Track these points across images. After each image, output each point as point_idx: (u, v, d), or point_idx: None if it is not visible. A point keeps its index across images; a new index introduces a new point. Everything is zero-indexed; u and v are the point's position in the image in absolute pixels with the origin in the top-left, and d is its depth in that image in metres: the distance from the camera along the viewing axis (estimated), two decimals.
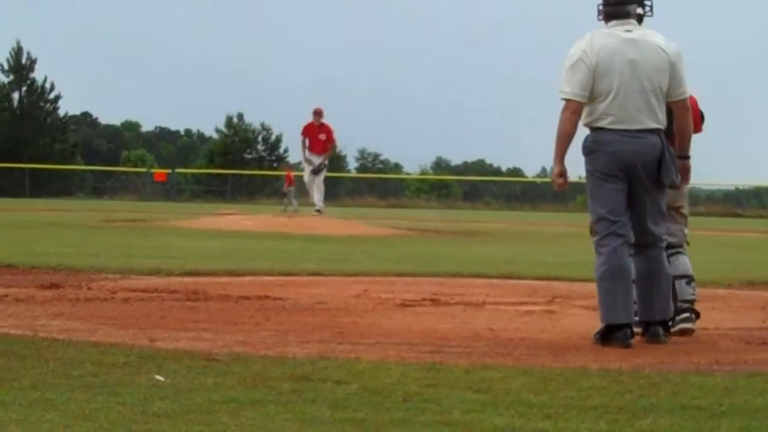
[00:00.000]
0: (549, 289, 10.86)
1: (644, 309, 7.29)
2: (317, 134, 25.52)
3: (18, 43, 78.94)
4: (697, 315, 7.77)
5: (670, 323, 7.47)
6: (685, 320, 7.65)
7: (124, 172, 78.07)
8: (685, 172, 7.43)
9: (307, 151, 25.68)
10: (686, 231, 7.90)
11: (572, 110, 7.21)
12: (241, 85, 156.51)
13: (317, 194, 25.84)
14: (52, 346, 6.22)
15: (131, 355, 5.92)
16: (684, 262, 7.79)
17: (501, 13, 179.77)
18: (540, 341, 7.26)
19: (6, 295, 9.05)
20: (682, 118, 7.38)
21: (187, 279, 11.20)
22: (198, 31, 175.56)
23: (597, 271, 7.22)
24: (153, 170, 73.61)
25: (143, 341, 6.63)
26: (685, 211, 7.92)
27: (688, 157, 7.46)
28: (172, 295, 9.54)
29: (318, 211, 25.64)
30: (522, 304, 9.65)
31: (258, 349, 6.47)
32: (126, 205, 51.15)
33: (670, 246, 7.68)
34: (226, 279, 11.38)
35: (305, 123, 25.86)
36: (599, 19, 7.40)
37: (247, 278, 11.56)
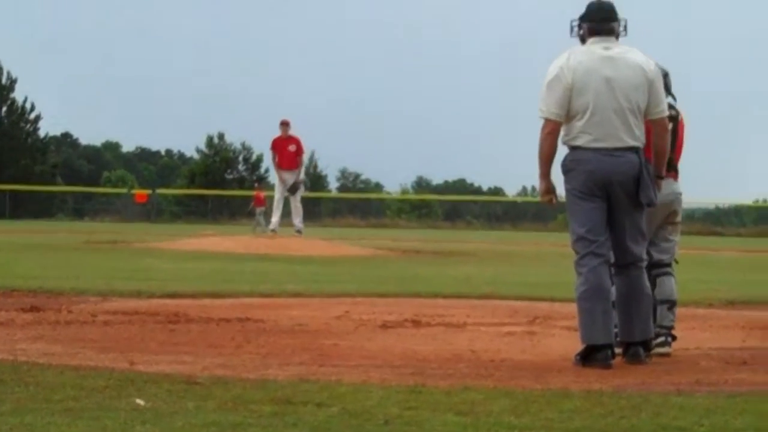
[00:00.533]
0: (530, 310, 10.86)
1: (624, 329, 7.30)
2: (286, 146, 25.07)
3: None
4: (674, 338, 7.80)
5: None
6: (661, 344, 7.68)
7: (104, 194, 77.92)
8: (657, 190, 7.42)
9: (277, 169, 25.34)
10: (677, 243, 7.92)
11: (549, 129, 7.22)
12: (222, 104, 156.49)
13: (295, 215, 25.53)
14: (32, 370, 6.19)
15: (111, 379, 5.90)
16: (670, 286, 7.81)
17: (483, 36, 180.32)
18: (521, 362, 7.26)
19: None
20: (660, 137, 7.38)
21: (167, 301, 11.18)
22: (178, 51, 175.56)
23: (577, 291, 7.22)
24: (134, 191, 73.48)
25: (124, 364, 6.60)
26: (678, 219, 7.93)
27: (661, 177, 7.46)
28: (152, 317, 9.51)
29: (298, 231, 25.46)
30: (503, 324, 9.65)
31: (239, 372, 6.45)
32: (107, 226, 51.04)
33: (659, 264, 7.71)
34: (207, 301, 11.36)
35: (273, 137, 25.50)
36: (572, 36, 7.44)
37: (228, 300, 11.53)
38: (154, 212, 68.97)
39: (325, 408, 5.18)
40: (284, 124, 25.35)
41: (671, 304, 7.80)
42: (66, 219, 67.57)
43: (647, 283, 7.39)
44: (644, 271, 7.39)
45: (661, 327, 7.68)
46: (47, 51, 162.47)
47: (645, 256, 7.40)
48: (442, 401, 5.44)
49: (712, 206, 75.34)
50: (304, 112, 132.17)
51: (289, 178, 25.06)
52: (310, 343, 8.07)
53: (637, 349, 7.26)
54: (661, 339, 7.67)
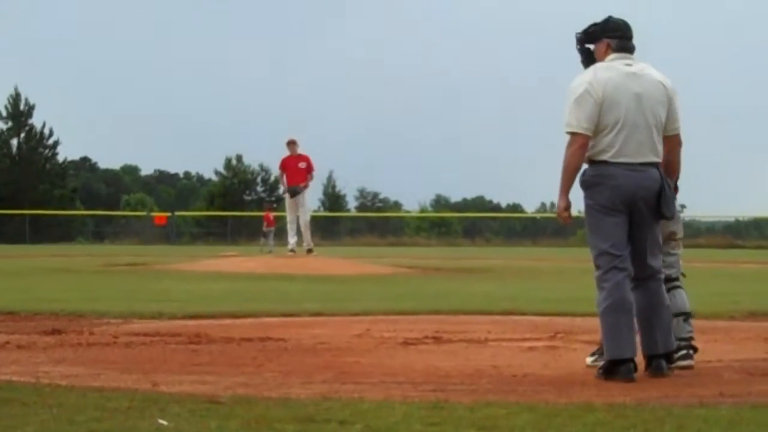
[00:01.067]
0: (551, 325, 10.85)
1: (646, 342, 7.28)
2: (296, 164, 24.75)
3: (16, 89, 79.34)
4: (695, 350, 7.77)
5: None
6: (683, 357, 7.64)
7: (124, 216, 78.16)
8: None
9: (285, 187, 25.21)
10: (680, 257, 7.90)
11: (579, 144, 7.19)
12: (240, 126, 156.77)
13: (306, 233, 25.29)
14: (55, 392, 6.20)
15: (134, 400, 5.90)
16: (682, 298, 7.79)
17: (503, 53, 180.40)
18: (543, 377, 7.24)
19: (8, 342, 9.04)
20: (674, 153, 7.42)
21: (189, 322, 11.20)
22: (195, 73, 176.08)
23: (600, 305, 7.20)
24: (153, 214, 73.70)
25: (146, 385, 6.61)
26: (680, 235, 7.91)
27: (675, 190, 7.49)
28: (174, 338, 9.53)
29: (309, 250, 25.29)
30: (524, 340, 9.64)
31: (261, 390, 6.45)
32: (127, 249, 51.15)
33: (667, 279, 7.68)
34: (228, 321, 11.37)
35: (282, 157, 25.29)
36: (578, 48, 7.48)
37: (249, 320, 11.55)
38: (173, 234, 69.12)
39: (348, 425, 5.17)
40: (292, 143, 25.09)
41: (686, 316, 7.77)
42: (86, 242, 67.80)
43: (666, 295, 7.38)
44: (663, 283, 7.38)
45: (681, 339, 7.65)
46: (65, 77, 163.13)
47: (663, 269, 7.39)
48: (465, 417, 5.43)
49: (732, 219, 75.23)
50: (322, 132, 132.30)
51: (297, 198, 24.88)
52: (331, 361, 8.07)
53: (660, 361, 7.24)
54: (682, 352, 7.64)
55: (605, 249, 7.17)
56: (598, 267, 7.22)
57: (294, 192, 24.73)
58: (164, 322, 11.13)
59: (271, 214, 45.25)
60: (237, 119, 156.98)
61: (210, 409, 5.64)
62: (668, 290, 7.66)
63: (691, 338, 7.74)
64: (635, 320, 7.18)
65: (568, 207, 7.37)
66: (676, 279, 7.82)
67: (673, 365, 7.47)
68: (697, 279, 20.97)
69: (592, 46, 7.51)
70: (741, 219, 76.14)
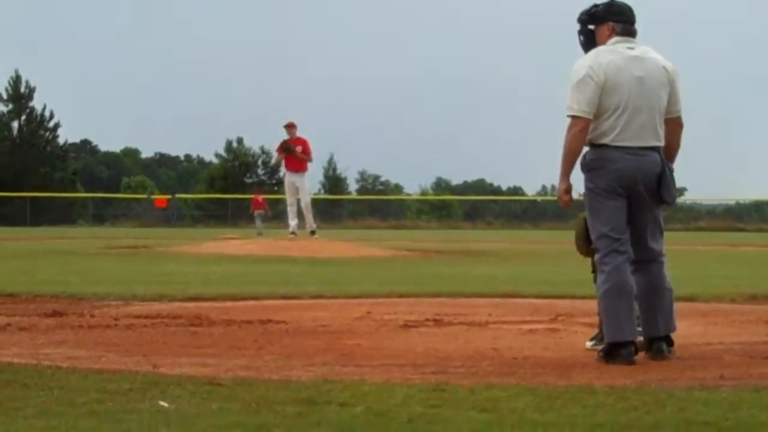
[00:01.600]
0: (552, 308, 10.85)
1: (648, 325, 7.29)
2: (294, 147, 24.89)
3: (16, 71, 79.23)
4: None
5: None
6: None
7: (124, 199, 78.14)
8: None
9: (285, 171, 25.31)
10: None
11: (580, 127, 7.18)
12: (241, 109, 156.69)
13: (308, 215, 25.33)
14: (56, 374, 6.21)
15: (135, 382, 5.91)
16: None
17: (504, 36, 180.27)
18: (544, 359, 7.25)
19: (9, 324, 9.05)
20: (675, 134, 7.40)
21: (189, 304, 11.20)
22: (196, 56, 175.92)
23: (599, 288, 7.22)
24: (153, 196, 73.68)
25: (147, 367, 6.62)
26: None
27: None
28: (175, 320, 9.53)
29: (312, 232, 25.33)
30: (525, 322, 9.64)
31: (262, 373, 6.46)
32: (127, 231, 51.17)
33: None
34: (229, 303, 11.38)
35: (280, 141, 25.18)
36: (579, 30, 7.47)
37: (250, 302, 11.55)
38: (174, 217, 69.12)
39: (348, 408, 5.18)
40: (290, 126, 24.98)
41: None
42: (86, 225, 67.78)
43: (668, 278, 7.38)
44: (664, 265, 7.38)
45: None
46: (65, 59, 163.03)
47: (664, 252, 7.39)
48: (465, 399, 5.44)
49: (732, 202, 75.17)
50: (323, 115, 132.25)
51: (296, 180, 24.92)
52: (332, 343, 8.08)
53: (661, 344, 7.25)
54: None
55: (605, 232, 7.17)
56: (597, 250, 7.23)
57: (288, 149, 24.61)
58: (165, 305, 11.13)
59: (260, 197, 45.27)
60: (238, 101, 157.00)
61: (211, 391, 5.65)
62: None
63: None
64: (637, 303, 7.19)
65: (568, 190, 7.36)
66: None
67: (597, 346, 7.57)
68: (698, 262, 21.00)
69: (592, 27, 7.49)
70: (742, 202, 76.11)
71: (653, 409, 5.17)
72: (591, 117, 7.16)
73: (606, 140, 7.17)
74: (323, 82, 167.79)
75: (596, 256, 7.27)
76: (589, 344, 7.81)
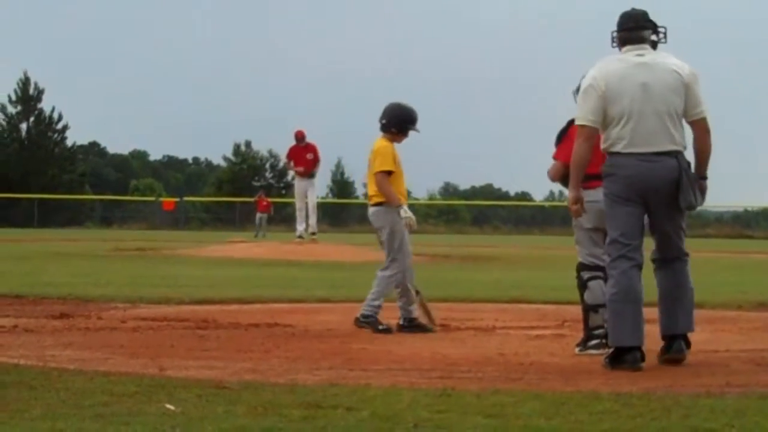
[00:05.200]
0: (559, 313, 10.85)
1: (667, 323, 7.29)
2: (304, 155, 24.93)
3: (25, 73, 79.12)
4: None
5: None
6: (596, 347, 7.76)
7: (132, 201, 78.18)
8: (701, 193, 7.38)
9: (295, 176, 25.48)
10: None
11: (585, 136, 7.23)
12: (249, 112, 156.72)
13: (312, 217, 25.47)
14: (63, 376, 6.22)
15: (141, 385, 5.92)
16: (602, 290, 7.70)
17: (512, 41, 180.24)
18: (550, 365, 7.25)
19: (16, 326, 9.07)
20: (700, 140, 7.31)
21: (196, 307, 11.21)
22: (204, 59, 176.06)
23: (607, 293, 7.24)
24: (161, 199, 73.69)
25: (153, 370, 6.63)
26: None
27: (705, 178, 7.39)
28: (181, 323, 9.54)
29: (313, 233, 25.38)
30: (532, 328, 9.64)
31: (268, 376, 6.47)
32: (135, 234, 51.14)
33: (597, 268, 7.74)
34: (236, 307, 11.39)
35: (289, 146, 25.35)
36: (613, 46, 7.43)
37: (257, 306, 11.56)
38: (182, 220, 69.13)
39: (354, 412, 5.19)
40: (299, 136, 25.21)
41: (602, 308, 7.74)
42: (94, 227, 67.78)
43: (690, 277, 7.37)
44: (687, 264, 7.37)
45: (597, 328, 7.78)
46: (74, 62, 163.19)
47: (688, 251, 7.37)
48: (471, 404, 5.44)
49: (740, 209, 74.99)
50: (329, 118, 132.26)
51: (305, 185, 25.08)
52: (338, 347, 8.08)
53: (680, 343, 7.26)
54: (596, 341, 7.79)
55: (615, 237, 7.20)
56: (607, 255, 7.25)
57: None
58: (172, 308, 11.15)
59: (264, 200, 45.18)
60: (246, 104, 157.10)
61: (217, 394, 5.65)
62: (589, 279, 7.75)
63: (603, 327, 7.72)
64: (657, 305, 7.27)
65: (578, 200, 7.37)
66: (600, 270, 7.76)
67: (585, 352, 7.74)
68: (705, 269, 20.95)
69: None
70: (750, 209, 75.93)
71: (659, 416, 5.17)
72: (597, 125, 7.20)
73: (618, 148, 7.19)
74: (332, 85, 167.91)
75: (606, 261, 7.28)
76: (576, 350, 7.88)
